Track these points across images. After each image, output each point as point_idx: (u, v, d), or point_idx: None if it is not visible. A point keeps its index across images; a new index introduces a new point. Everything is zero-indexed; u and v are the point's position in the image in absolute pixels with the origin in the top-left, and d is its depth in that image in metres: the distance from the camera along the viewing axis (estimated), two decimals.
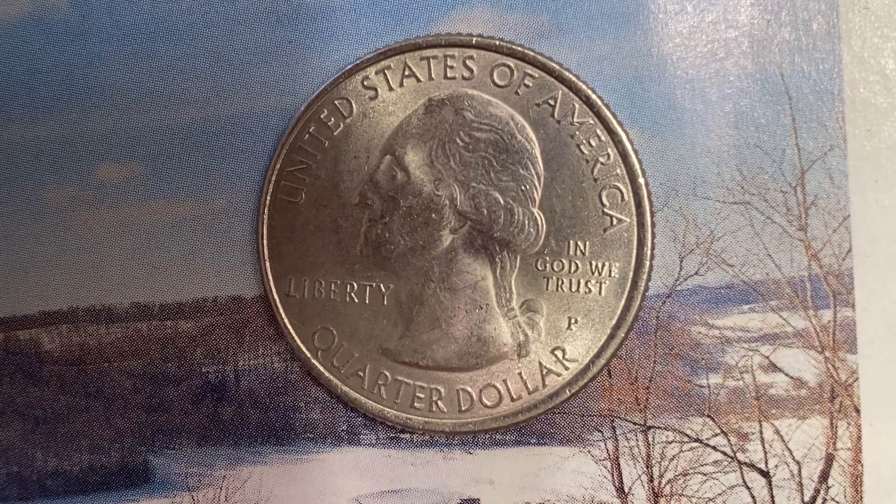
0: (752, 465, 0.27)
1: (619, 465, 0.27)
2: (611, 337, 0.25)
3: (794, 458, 0.27)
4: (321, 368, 0.26)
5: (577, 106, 0.25)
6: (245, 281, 0.27)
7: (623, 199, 0.25)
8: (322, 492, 0.26)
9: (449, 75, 0.25)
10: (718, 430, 0.27)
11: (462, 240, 0.25)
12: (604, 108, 0.25)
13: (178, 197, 0.27)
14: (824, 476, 0.27)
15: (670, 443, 0.27)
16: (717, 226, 0.26)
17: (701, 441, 0.27)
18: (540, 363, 0.26)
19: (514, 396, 0.25)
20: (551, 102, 0.25)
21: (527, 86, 0.25)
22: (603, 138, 0.25)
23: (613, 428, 0.27)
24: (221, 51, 0.27)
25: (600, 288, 0.25)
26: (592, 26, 0.26)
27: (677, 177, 0.26)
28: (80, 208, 0.27)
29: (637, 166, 0.25)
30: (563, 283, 0.25)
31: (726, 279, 0.27)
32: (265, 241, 0.26)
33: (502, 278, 0.25)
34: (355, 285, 0.26)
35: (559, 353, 0.25)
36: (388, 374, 0.26)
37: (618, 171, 0.25)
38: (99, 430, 0.28)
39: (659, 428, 0.27)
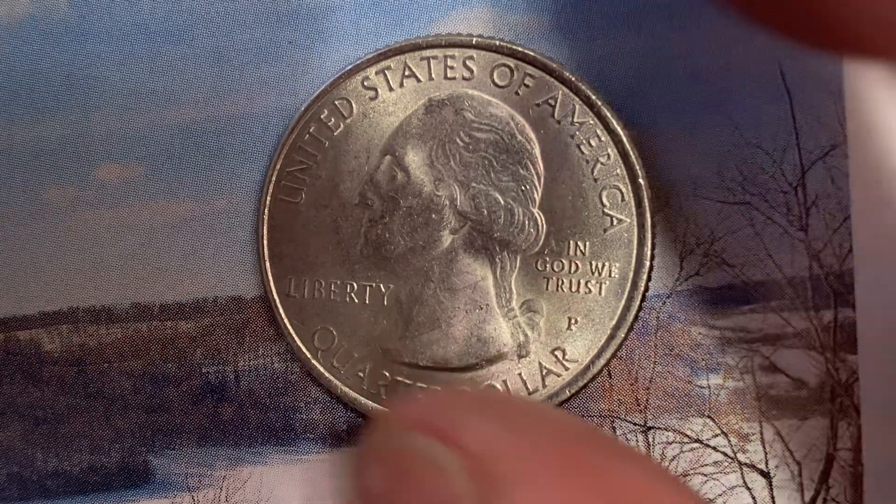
0: (752, 466, 0.27)
1: None
2: (611, 337, 0.25)
3: (794, 459, 0.27)
4: (321, 369, 0.26)
5: (576, 106, 0.25)
6: (245, 281, 0.27)
7: (623, 199, 0.25)
8: (322, 491, 0.26)
9: (449, 75, 0.25)
10: (719, 431, 0.27)
11: (462, 240, 0.25)
12: (604, 108, 0.25)
13: (178, 197, 0.27)
14: (825, 476, 0.27)
15: (670, 443, 0.27)
16: (718, 226, 0.26)
17: (701, 442, 0.27)
18: (540, 363, 0.25)
19: None
20: (551, 102, 0.25)
21: (527, 86, 0.25)
22: (603, 138, 0.25)
23: (614, 428, 0.27)
24: (221, 51, 0.27)
25: (600, 288, 0.25)
26: (592, 26, 0.26)
27: (677, 177, 0.26)
28: (80, 208, 0.27)
29: (637, 166, 0.25)
30: (563, 283, 0.25)
31: (727, 279, 0.27)
32: (265, 242, 0.26)
33: (502, 278, 0.25)
34: (355, 285, 0.26)
35: (559, 354, 0.25)
36: (387, 374, 0.26)
37: (618, 171, 0.25)
38: (99, 431, 0.27)
39: (659, 429, 0.27)
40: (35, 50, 0.27)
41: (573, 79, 0.25)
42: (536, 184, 0.25)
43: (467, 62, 0.25)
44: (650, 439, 0.27)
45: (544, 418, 0.14)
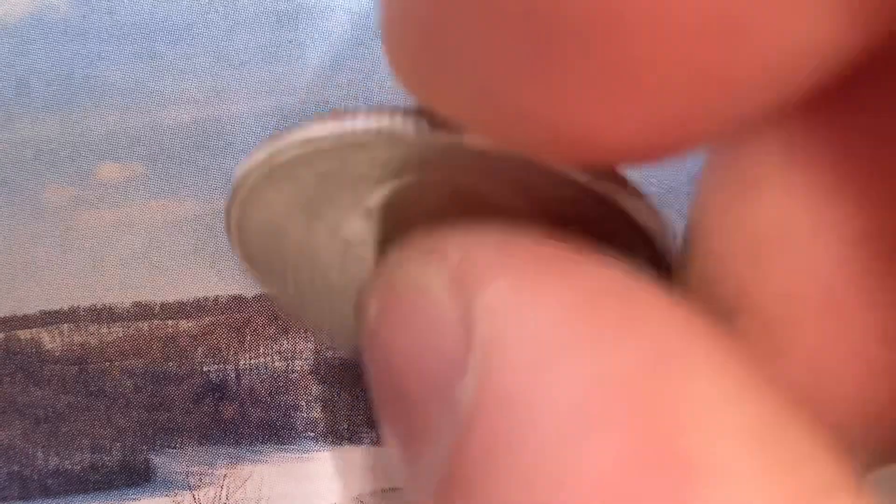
0: None
1: None
2: None
3: None
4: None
5: None
6: (246, 280, 0.27)
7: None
8: (323, 490, 0.26)
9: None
10: None
11: None
12: None
13: (178, 196, 0.27)
14: None
15: None
16: None
17: None
18: None
19: None
20: None
21: None
22: None
23: None
24: (222, 51, 0.27)
25: None
26: None
27: (677, 176, 0.26)
28: (81, 208, 0.27)
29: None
30: None
31: None
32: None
33: None
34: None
35: None
36: None
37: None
38: (100, 429, 0.28)
39: None
40: (35, 49, 0.27)
41: None
42: None
43: None
44: None
45: (526, 233, 0.14)
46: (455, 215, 0.09)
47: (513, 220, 0.10)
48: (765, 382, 0.08)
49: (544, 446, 0.07)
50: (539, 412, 0.08)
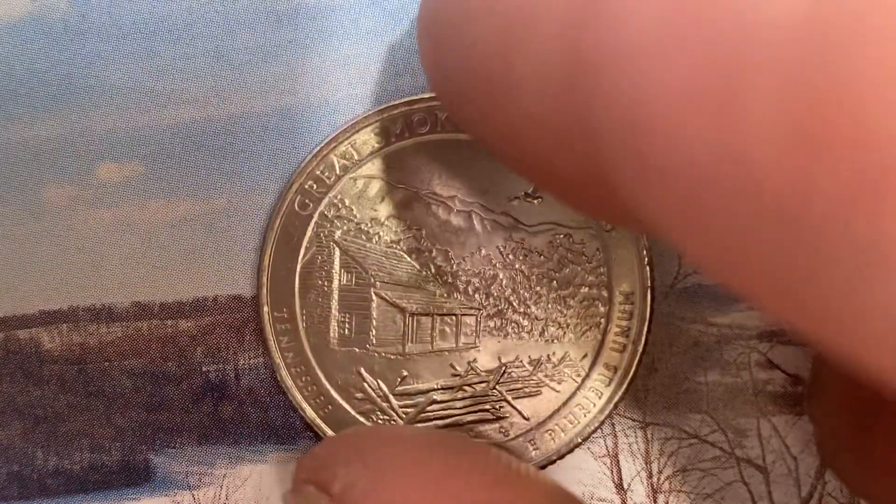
0: (749, 461, 0.27)
1: (618, 461, 0.27)
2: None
3: (791, 454, 0.27)
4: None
5: None
6: (245, 280, 0.27)
7: None
8: None
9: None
10: (716, 427, 0.27)
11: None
12: None
13: (178, 196, 0.27)
14: (821, 472, 0.27)
15: (669, 439, 0.27)
16: None
17: (699, 437, 0.27)
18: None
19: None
20: None
21: None
22: None
23: (613, 425, 0.27)
24: (221, 50, 0.27)
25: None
26: None
27: None
28: (80, 208, 0.27)
29: None
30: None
31: None
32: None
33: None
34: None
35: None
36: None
37: None
38: (99, 429, 0.28)
39: (657, 425, 0.27)
40: (34, 49, 0.27)
41: None
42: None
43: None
44: (648, 435, 0.27)
45: (396, 446, 0.16)
46: None
47: None
48: None
49: None
50: None
